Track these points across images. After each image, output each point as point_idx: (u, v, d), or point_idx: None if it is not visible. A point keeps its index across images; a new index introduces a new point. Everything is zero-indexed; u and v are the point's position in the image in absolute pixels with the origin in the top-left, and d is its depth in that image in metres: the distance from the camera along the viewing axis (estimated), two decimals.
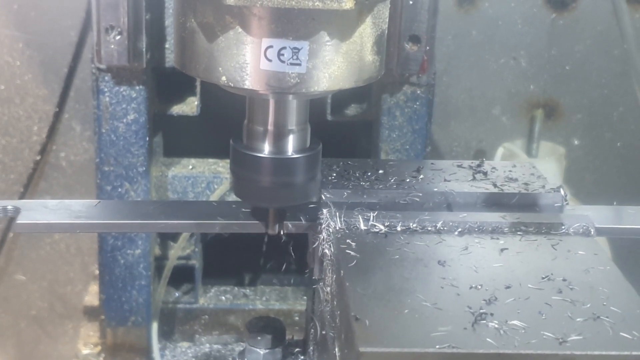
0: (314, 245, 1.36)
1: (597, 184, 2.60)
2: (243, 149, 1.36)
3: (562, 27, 2.44)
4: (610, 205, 1.48)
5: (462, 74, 2.46)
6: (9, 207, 1.39)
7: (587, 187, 2.57)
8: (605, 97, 2.51)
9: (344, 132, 2.09)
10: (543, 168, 1.58)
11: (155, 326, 2.11)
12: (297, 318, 2.20)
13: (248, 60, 1.22)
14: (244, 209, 1.45)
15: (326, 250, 1.30)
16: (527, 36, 2.44)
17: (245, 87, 1.24)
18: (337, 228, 1.31)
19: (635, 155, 2.57)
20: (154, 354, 2.11)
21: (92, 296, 2.29)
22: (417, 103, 1.96)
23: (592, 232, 1.34)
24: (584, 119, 2.54)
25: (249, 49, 1.22)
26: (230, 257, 2.25)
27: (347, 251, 1.24)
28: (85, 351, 2.21)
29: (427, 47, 1.86)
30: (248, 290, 2.27)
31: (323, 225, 1.33)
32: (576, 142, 2.56)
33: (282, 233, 1.43)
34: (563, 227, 1.34)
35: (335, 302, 1.23)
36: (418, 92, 1.96)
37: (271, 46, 1.21)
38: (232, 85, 1.25)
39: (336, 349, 1.18)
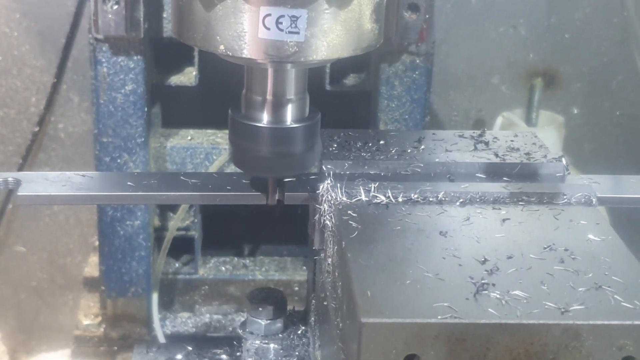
0: (315, 217, 1.36)
1: (596, 152, 2.60)
2: (242, 119, 1.36)
3: None
4: (611, 175, 1.48)
5: (461, 43, 2.45)
6: (10, 179, 1.38)
7: (586, 156, 2.57)
8: (605, 66, 2.51)
9: (343, 102, 2.08)
10: (542, 137, 1.58)
11: (155, 297, 2.11)
12: (296, 288, 2.20)
13: (246, 28, 1.21)
14: (243, 180, 1.44)
15: (327, 222, 1.30)
16: (526, 4, 2.43)
17: (244, 56, 1.23)
18: (339, 199, 1.31)
19: (634, 124, 2.57)
20: (154, 324, 2.12)
21: (91, 267, 2.29)
22: (416, 72, 1.96)
23: (593, 202, 1.34)
24: (583, 88, 2.54)
25: (247, 17, 1.21)
26: (230, 228, 2.25)
27: (349, 222, 1.24)
28: (86, 322, 2.21)
29: (426, 16, 1.86)
30: (248, 261, 2.27)
31: (324, 197, 1.32)
32: (575, 111, 2.56)
33: (281, 203, 1.43)
34: (565, 196, 1.34)
35: (336, 273, 1.23)
36: (417, 61, 1.95)
37: (269, 14, 1.20)
38: (230, 54, 1.24)
39: (338, 320, 1.19)
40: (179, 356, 1.61)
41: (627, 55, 2.27)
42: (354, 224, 1.23)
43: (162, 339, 2.11)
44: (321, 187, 1.34)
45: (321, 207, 1.32)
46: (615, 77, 2.52)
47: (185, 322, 2.19)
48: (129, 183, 1.41)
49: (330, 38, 1.23)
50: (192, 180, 1.43)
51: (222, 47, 1.24)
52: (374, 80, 2.00)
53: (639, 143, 2.58)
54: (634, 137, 2.58)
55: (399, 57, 1.95)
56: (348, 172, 1.38)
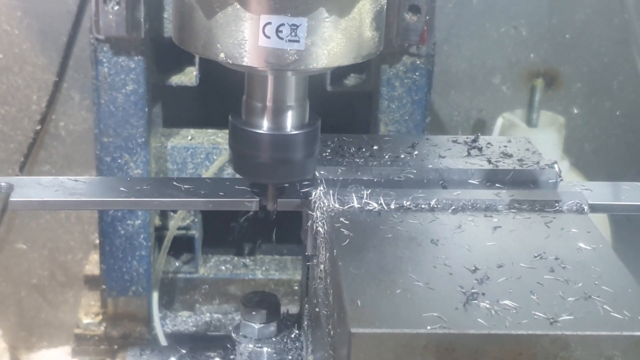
0: (308, 223, 1.36)
1: (596, 153, 2.60)
2: (242, 125, 1.36)
3: None
4: (604, 182, 1.48)
5: (462, 43, 2.45)
6: (3, 184, 1.38)
7: (586, 156, 2.57)
8: (605, 66, 2.51)
9: (344, 103, 2.08)
10: (543, 138, 1.57)
11: (155, 296, 2.12)
12: (296, 287, 2.20)
13: (247, 36, 1.22)
14: (241, 186, 1.45)
15: (320, 228, 1.30)
16: (527, 4, 2.43)
17: (244, 63, 1.24)
18: (331, 206, 1.31)
19: (635, 124, 2.57)
20: (154, 323, 2.12)
21: (92, 265, 2.30)
22: (417, 74, 1.95)
23: (585, 210, 1.34)
24: (583, 88, 2.54)
25: (248, 26, 1.21)
26: (230, 227, 2.25)
27: (341, 230, 1.24)
28: (87, 320, 2.22)
29: (427, 17, 1.85)
30: (248, 260, 2.27)
31: (317, 203, 1.33)
32: (576, 111, 2.56)
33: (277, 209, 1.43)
34: (557, 204, 1.34)
35: (328, 280, 1.24)
36: (418, 62, 1.95)
37: (270, 23, 1.20)
38: (230, 62, 1.24)
39: (329, 327, 1.19)
40: (173, 359, 1.62)
41: (627, 56, 2.27)
42: (345, 232, 1.24)
43: (162, 338, 2.11)
44: (314, 193, 1.34)
45: (314, 213, 1.33)
46: (616, 77, 2.51)
47: (186, 321, 2.19)
48: (121, 188, 1.42)
49: (331, 46, 1.23)
50: (185, 186, 1.43)
51: (222, 54, 1.24)
52: (374, 81, 1.99)
53: (639, 143, 2.58)
54: (635, 137, 2.58)
55: (400, 59, 1.94)
56: (341, 178, 1.38)
